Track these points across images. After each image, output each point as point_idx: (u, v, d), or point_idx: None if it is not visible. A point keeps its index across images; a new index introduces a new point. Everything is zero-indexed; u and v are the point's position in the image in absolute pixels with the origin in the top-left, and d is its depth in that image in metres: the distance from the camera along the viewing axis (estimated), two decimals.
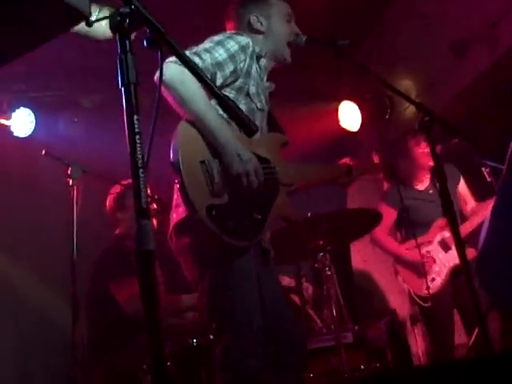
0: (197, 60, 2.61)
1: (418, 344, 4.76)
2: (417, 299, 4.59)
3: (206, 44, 2.74)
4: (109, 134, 4.05)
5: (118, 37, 1.63)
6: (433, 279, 4.55)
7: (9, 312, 5.01)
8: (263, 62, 2.93)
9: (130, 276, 3.83)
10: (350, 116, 6.10)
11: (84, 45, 4.73)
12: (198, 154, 2.58)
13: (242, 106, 2.75)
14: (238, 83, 2.77)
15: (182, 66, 2.49)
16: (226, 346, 2.58)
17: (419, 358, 4.72)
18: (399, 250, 4.76)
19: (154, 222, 4.21)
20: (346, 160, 3.32)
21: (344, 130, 6.12)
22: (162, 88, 2.53)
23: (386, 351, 4.07)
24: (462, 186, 4.84)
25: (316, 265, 3.96)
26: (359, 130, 6.11)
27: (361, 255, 6.28)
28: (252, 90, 2.81)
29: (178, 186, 2.58)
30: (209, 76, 2.62)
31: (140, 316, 3.88)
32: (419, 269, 4.47)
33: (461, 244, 2.57)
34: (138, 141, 1.57)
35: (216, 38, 2.78)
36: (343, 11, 5.26)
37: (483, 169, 4.31)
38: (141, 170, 1.55)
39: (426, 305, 4.49)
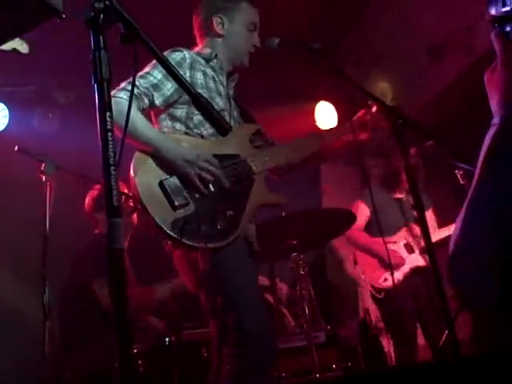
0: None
1: (389, 344, 4.81)
2: (371, 289, 4.80)
3: (145, 69, 2.81)
4: (83, 130, 4.00)
5: (92, 33, 1.63)
6: (392, 273, 4.70)
7: None
8: (216, 63, 3.00)
9: None
10: (326, 116, 6.12)
11: (60, 40, 4.68)
12: (154, 177, 2.65)
13: (197, 116, 2.82)
14: (186, 97, 2.79)
15: (120, 98, 2.63)
16: (231, 332, 2.61)
17: (391, 358, 4.76)
18: (377, 243, 4.81)
19: (134, 217, 4.21)
20: (362, 112, 3.25)
21: (320, 130, 6.13)
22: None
23: (358, 351, 4.10)
24: (430, 216, 4.94)
25: (290, 264, 3.98)
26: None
27: (335, 254, 6.30)
28: None
29: (145, 214, 2.62)
30: (147, 100, 2.75)
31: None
32: (384, 262, 4.64)
33: (430, 246, 2.60)
34: (110, 138, 1.56)
35: (153, 61, 2.82)
36: (322, 12, 5.27)
37: (456, 171, 4.37)
38: (112, 168, 1.54)
39: (379, 296, 4.73)
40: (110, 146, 1.55)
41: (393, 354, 4.80)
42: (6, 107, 5.18)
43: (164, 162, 2.68)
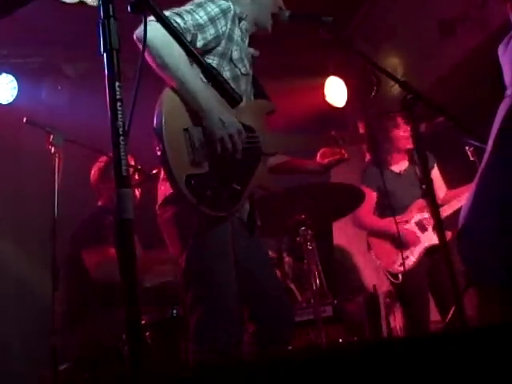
0: (178, 20, 2.58)
1: (396, 319, 4.81)
2: (388, 276, 4.67)
3: (187, 6, 2.69)
4: (92, 102, 3.99)
5: (101, 1, 1.61)
6: (406, 257, 4.59)
7: None
8: (244, 24, 2.87)
9: (101, 244, 3.84)
10: (336, 92, 6.08)
11: (68, 11, 4.65)
12: (181, 121, 2.55)
13: (226, 73, 2.74)
14: (220, 48, 2.73)
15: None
16: (198, 319, 2.59)
17: (397, 334, 4.77)
18: (389, 225, 4.74)
19: (137, 192, 4.20)
20: (332, 133, 3.26)
21: (330, 105, 6.10)
22: (141, 45, 2.48)
23: (365, 326, 4.11)
24: (436, 173, 4.88)
25: (297, 239, 3.97)
26: (345, 105, 6.10)
27: (342, 230, 6.30)
28: (235, 55, 2.78)
29: (159, 153, 2.52)
30: (189, 37, 2.60)
31: (107, 282, 3.87)
32: (397, 243, 4.50)
33: (440, 222, 2.59)
34: (119, 108, 1.54)
35: (196, 0, 2.73)
36: None
37: (467, 148, 4.34)
38: (121, 138, 1.53)
39: (396, 281, 4.59)
40: (120, 116, 1.54)
41: (398, 329, 4.81)
42: (14, 79, 5.17)
43: (194, 110, 2.56)
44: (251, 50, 2.95)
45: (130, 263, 1.50)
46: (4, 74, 5.14)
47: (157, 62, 2.53)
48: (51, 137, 3.56)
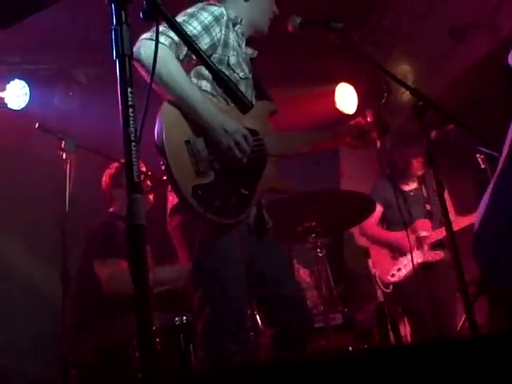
0: (172, 35, 2.57)
1: (406, 327, 4.82)
2: (380, 284, 4.92)
3: (180, 18, 2.69)
4: (104, 108, 4.01)
5: (113, 8, 1.62)
6: (399, 269, 4.82)
7: None
8: (239, 28, 2.88)
9: (113, 256, 3.85)
10: (346, 98, 6.07)
11: (80, 17, 4.68)
12: (182, 134, 2.56)
13: None
14: (216, 55, 2.74)
15: (161, 44, 2.51)
16: (206, 323, 2.59)
17: (407, 341, 4.76)
18: (392, 236, 4.94)
19: (151, 197, 4.21)
20: (360, 120, 3.21)
21: (340, 112, 6.09)
22: (138, 66, 2.51)
23: (374, 333, 4.10)
24: (446, 197, 4.95)
25: (308, 246, 3.97)
26: (355, 112, 6.09)
27: (352, 237, 6.28)
28: (232, 60, 2.78)
29: (163, 167, 2.53)
30: (184, 51, 2.61)
31: (118, 296, 3.86)
32: (394, 253, 4.85)
33: (452, 233, 2.59)
34: (131, 114, 1.54)
35: (189, 10, 2.74)
36: None
37: (478, 155, 4.33)
38: (133, 144, 1.53)
39: (387, 290, 4.85)
40: (131, 122, 1.54)
41: (409, 337, 4.81)
42: (26, 85, 5.19)
43: (195, 122, 2.57)
44: (249, 51, 2.96)
45: (142, 268, 1.50)
46: (16, 80, 5.15)
47: (155, 79, 2.51)
48: (63, 143, 3.56)
